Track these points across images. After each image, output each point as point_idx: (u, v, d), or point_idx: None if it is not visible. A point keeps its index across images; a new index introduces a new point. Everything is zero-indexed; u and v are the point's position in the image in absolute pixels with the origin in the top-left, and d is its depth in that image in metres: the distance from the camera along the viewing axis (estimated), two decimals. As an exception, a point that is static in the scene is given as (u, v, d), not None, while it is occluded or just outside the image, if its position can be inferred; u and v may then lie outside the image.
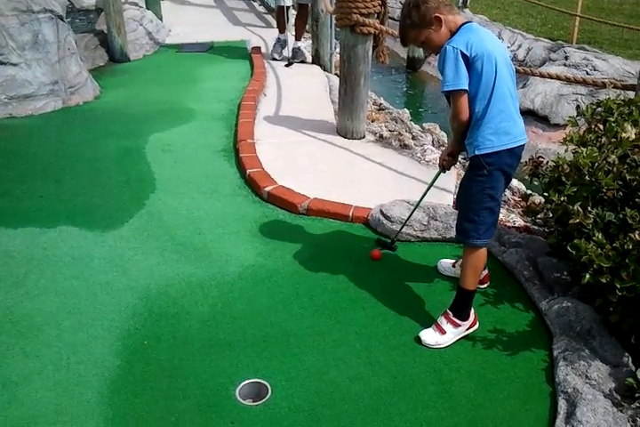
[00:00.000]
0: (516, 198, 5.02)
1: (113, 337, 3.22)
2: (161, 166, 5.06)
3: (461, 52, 2.87)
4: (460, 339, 3.24)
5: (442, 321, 3.22)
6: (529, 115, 7.96)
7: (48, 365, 3.04)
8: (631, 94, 4.05)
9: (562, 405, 2.81)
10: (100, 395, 2.87)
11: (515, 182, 5.43)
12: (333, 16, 7.56)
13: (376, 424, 2.72)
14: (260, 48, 8.45)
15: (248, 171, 4.86)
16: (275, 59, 7.98)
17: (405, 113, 6.59)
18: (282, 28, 8.03)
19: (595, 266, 3.00)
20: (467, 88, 2.91)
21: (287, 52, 8.08)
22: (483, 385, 2.97)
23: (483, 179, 3.05)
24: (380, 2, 5.18)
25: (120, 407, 2.81)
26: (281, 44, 8.08)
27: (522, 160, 4.19)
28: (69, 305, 3.44)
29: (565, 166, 3.55)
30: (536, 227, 4.30)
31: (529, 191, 4.73)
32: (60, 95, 6.39)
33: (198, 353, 3.11)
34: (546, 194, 3.73)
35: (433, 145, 5.78)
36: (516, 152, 3.07)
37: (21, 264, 3.77)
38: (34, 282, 3.61)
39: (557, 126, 7.82)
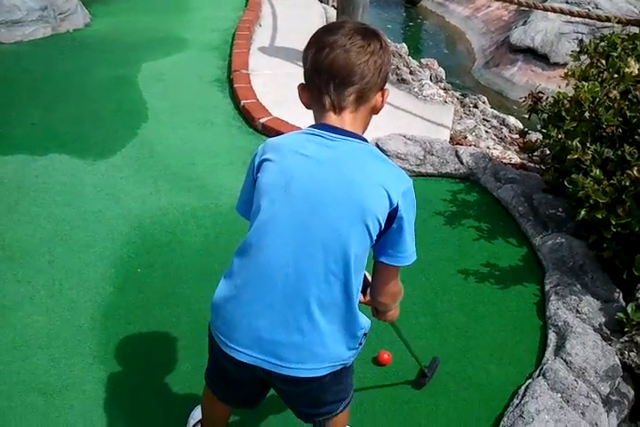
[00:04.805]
0: (513, 136, 4.98)
1: (106, 264, 3.21)
2: (153, 96, 4.95)
3: None
4: (452, 273, 3.26)
5: None
6: (528, 53, 7.82)
7: (40, 290, 3.03)
8: (636, 30, 3.96)
9: (552, 338, 2.84)
10: (93, 320, 2.88)
11: (512, 120, 5.39)
12: (332, -56, 7.36)
13: (368, 353, 2.74)
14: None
15: (242, 102, 4.77)
16: None
17: (403, 48, 6.47)
18: None
19: (591, 201, 3.00)
20: None
21: None
22: (474, 318, 3.00)
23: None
24: None
25: (113, 333, 2.83)
26: None
27: (521, 96, 4.16)
28: (61, 232, 3.41)
29: (566, 101, 3.51)
30: (532, 164, 4.27)
31: (526, 129, 4.69)
32: (49, 22, 6.19)
33: (191, 281, 3.12)
34: (544, 130, 3.68)
35: (431, 80, 5.69)
36: None
37: (12, 191, 3.72)
38: (25, 209, 3.58)
39: (557, 65, 7.67)
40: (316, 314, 1.69)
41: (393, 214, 1.67)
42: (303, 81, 1.79)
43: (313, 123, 1.79)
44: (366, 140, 1.76)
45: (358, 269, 1.72)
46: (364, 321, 1.81)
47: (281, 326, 1.70)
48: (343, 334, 1.75)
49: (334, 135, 1.70)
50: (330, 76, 1.69)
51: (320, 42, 1.72)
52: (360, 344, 1.83)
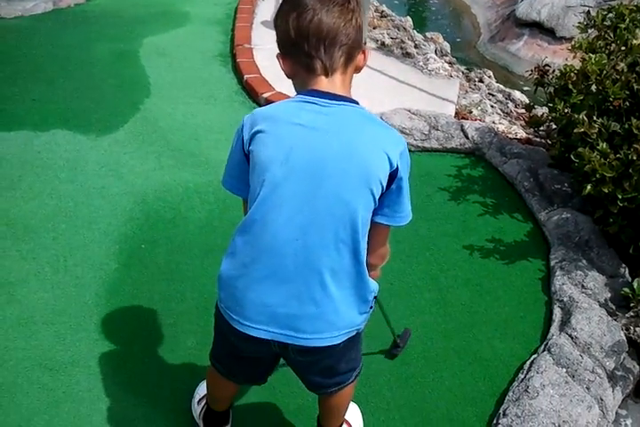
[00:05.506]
0: (519, 110, 4.94)
1: (110, 241, 3.20)
2: (155, 70, 4.90)
3: None
4: (457, 248, 3.24)
5: None
6: (534, 27, 7.74)
7: (45, 266, 3.03)
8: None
9: (557, 313, 2.84)
10: (98, 297, 2.88)
11: (518, 94, 5.35)
12: None
13: (373, 328, 2.72)
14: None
15: (245, 76, 4.72)
16: None
17: (408, 21, 6.39)
18: None
19: (597, 176, 2.97)
20: None
21: None
22: (479, 293, 3.00)
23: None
24: None
25: (118, 309, 2.83)
26: None
27: (527, 70, 4.12)
28: (65, 209, 3.40)
29: (572, 74, 3.46)
30: (538, 139, 4.24)
31: (532, 103, 4.65)
32: (50, -4, 6.13)
33: (196, 257, 3.11)
34: (550, 104, 3.65)
35: (436, 54, 5.63)
36: None
37: (15, 167, 3.70)
38: (28, 185, 3.56)
39: (563, 39, 7.60)
40: (328, 283, 1.69)
41: (393, 175, 1.68)
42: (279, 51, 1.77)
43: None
44: (358, 103, 1.76)
45: (364, 233, 1.73)
46: (374, 284, 1.83)
47: (295, 299, 1.70)
48: (355, 299, 1.76)
49: (328, 101, 1.69)
50: (318, 39, 1.67)
51: (298, 6, 1.69)
52: (371, 308, 1.84)
